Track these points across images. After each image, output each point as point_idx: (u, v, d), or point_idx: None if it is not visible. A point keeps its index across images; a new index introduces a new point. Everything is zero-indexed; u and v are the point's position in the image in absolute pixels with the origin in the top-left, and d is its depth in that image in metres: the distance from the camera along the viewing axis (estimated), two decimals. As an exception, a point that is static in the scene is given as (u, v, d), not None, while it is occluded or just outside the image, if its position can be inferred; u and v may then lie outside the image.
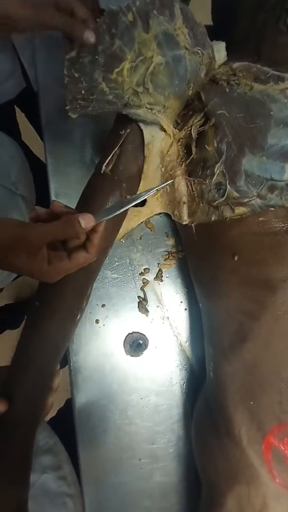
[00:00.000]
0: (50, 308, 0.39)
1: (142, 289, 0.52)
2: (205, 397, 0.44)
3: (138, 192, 0.46)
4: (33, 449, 0.35)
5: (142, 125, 0.41)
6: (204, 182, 0.41)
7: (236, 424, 0.37)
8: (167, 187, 0.45)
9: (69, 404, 0.51)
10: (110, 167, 0.43)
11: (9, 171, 0.58)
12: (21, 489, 0.33)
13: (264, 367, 0.36)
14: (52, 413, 0.72)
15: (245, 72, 0.42)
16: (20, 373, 0.36)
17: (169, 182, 0.38)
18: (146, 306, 0.52)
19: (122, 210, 0.33)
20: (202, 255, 0.44)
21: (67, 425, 0.50)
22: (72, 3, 0.36)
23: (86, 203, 0.43)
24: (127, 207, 0.33)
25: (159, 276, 0.52)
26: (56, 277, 0.32)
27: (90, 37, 0.36)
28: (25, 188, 0.61)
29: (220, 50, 0.42)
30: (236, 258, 0.38)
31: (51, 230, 0.29)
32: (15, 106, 0.73)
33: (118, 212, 0.32)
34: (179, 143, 0.44)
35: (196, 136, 0.43)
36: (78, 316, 0.42)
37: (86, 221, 0.29)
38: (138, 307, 0.52)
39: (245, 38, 0.45)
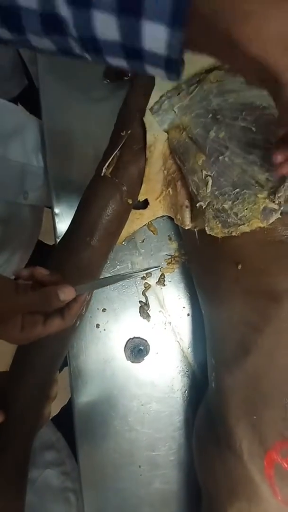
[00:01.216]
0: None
1: (143, 293, 0.51)
2: (207, 407, 0.43)
3: (140, 195, 0.45)
4: (29, 460, 0.35)
5: (147, 126, 0.40)
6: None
7: (237, 437, 0.36)
8: (170, 191, 0.44)
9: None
10: (110, 169, 0.41)
11: (23, 178, 0.53)
12: (16, 502, 0.32)
13: (268, 381, 0.35)
14: (55, 411, 0.73)
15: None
16: (17, 382, 0.36)
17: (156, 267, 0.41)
18: (148, 311, 0.51)
19: (109, 284, 0.32)
20: (205, 262, 0.43)
21: (70, 423, 0.50)
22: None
23: (86, 207, 0.42)
24: (116, 282, 0.32)
25: (161, 281, 0.51)
26: (27, 342, 0.29)
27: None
28: (39, 193, 0.58)
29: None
30: (239, 266, 0.36)
31: (24, 303, 0.27)
32: (19, 104, 0.72)
33: (103, 286, 0.32)
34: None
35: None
36: (77, 323, 0.41)
37: (66, 294, 0.27)
38: (140, 312, 0.51)
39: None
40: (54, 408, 0.71)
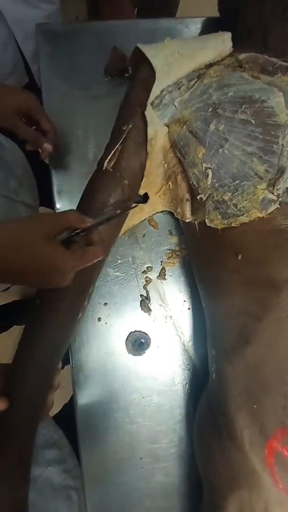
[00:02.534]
0: (51, 306, 0.39)
1: (144, 287, 0.51)
2: (208, 399, 0.44)
3: (140, 189, 0.46)
4: (33, 448, 0.35)
5: (148, 120, 0.40)
6: (208, 178, 0.40)
7: (238, 427, 0.36)
8: (170, 184, 0.44)
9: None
10: (112, 163, 0.42)
11: (9, 177, 0.57)
12: (20, 490, 0.33)
13: (268, 370, 0.35)
14: (57, 408, 0.73)
15: (252, 63, 0.40)
16: (20, 371, 0.36)
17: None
18: (149, 305, 0.51)
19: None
20: (205, 254, 0.43)
21: (72, 420, 0.50)
22: (39, 116, 0.41)
23: (88, 200, 0.42)
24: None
25: (162, 275, 0.52)
26: (71, 266, 0.32)
27: (48, 148, 0.42)
28: (27, 192, 0.60)
29: (225, 41, 0.41)
30: (239, 257, 0.37)
31: (58, 219, 0.32)
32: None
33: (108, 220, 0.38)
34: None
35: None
36: (80, 315, 0.41)
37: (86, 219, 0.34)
38: (141, 305, 0.51)
39: (252, 28, 0.43)
40: (56, 406, 0.72)
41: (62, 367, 0.75)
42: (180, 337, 0.51)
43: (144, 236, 0.52)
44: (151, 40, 0.44)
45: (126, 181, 0.42)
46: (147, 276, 0.52)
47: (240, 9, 0.44)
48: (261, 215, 0.35)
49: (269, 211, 0.34)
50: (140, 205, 0.48)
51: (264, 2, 0.41)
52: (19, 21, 0.54)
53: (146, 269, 0.52)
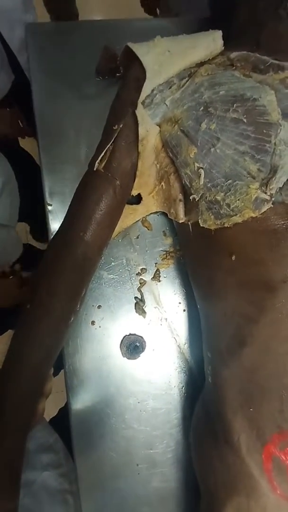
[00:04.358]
0: (42, 310, 0.38)
1: (139, 289, 0.51)
2: (204, 403, 0.43)
3: (133, 190, 0.45)
4: (23, 458, 0.34)
5: (139, 119, 0.40)
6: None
7: (235, 431, 0.35)
8: (163, 185, 0.44)
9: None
10: (103, 164, 0.41)
11: None
12: (10, 502, 0.32)
13: (264, 373, 0.34)
14: (53, 413, 0.72)
15: (243, 62, 0.40)
16: (10, 377, 0.35)
17: None
18: (143, 307, 0.50)
19: None
20: (199, 255, 0.43)
21: (68, 424, 0.49)
22: None
23: (80, 202, 0.42)
24: None
25: (156, 276, 0.51)
26: None
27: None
28: (3, 210, 0.59)
29: (216, 40, 0.40)
30: (233, 257, 0.36)
31: None
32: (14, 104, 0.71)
33: None
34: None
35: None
36: (72, 319, 0.41)
37: None
38: (135, 308, 0.50)
39: (244, 26, 0.42)
40: (52, 410, 0.71)
41: (58, 372, 0.74)
42: (175, 340, 0.51)
43: (138, 237, 0.51)
44: (142, 39, 0.43)
45: (118, 182, 0.41)
46: (142, 278, 0.51)
47: (233, 7, 0.44)
48: (254, 215, 0.34)
49: (262, 211, 0.34)
50: (134, 206, 0.48)
51: (257, 0, 0.40)
52: (0, 12, 0.52)
53: (140, 271, 0.51)
